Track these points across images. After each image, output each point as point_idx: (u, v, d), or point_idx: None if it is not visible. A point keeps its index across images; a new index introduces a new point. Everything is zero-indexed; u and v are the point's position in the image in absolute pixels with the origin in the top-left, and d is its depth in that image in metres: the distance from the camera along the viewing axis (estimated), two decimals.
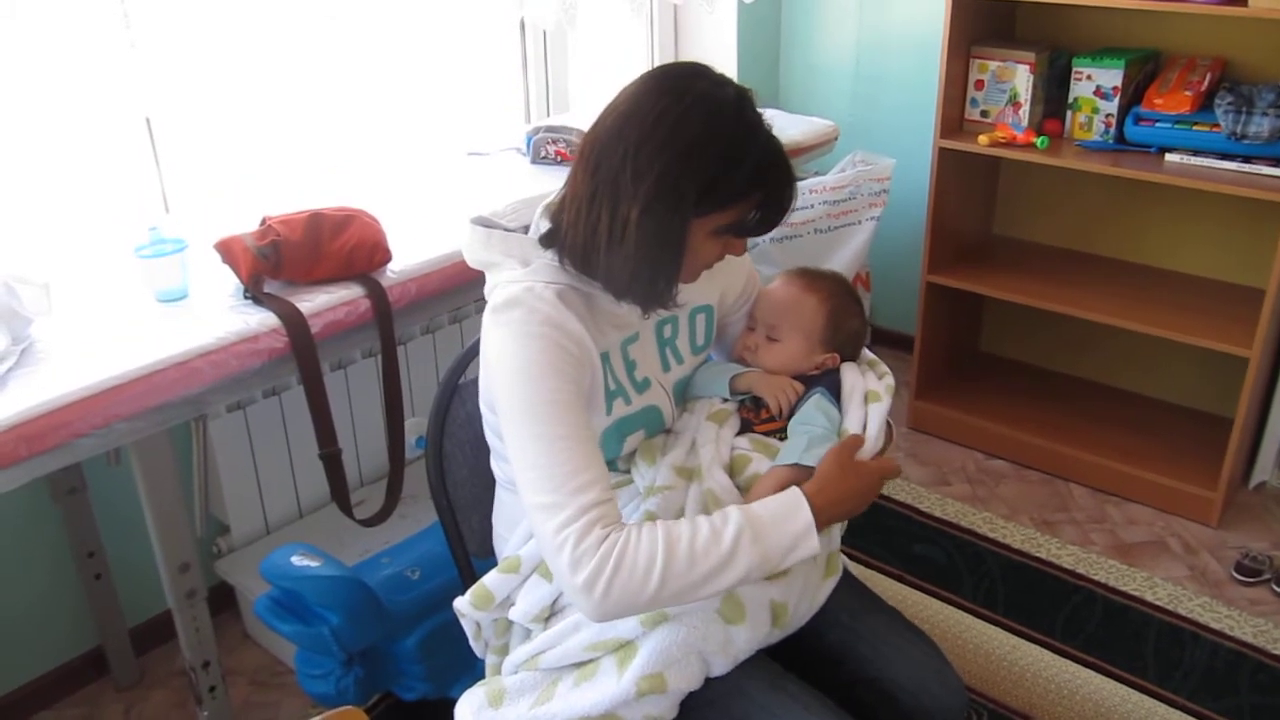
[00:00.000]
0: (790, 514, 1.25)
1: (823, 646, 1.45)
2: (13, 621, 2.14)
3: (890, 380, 1.52)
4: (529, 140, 2.56)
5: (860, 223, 3.07)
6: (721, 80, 1.25)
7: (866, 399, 1.47)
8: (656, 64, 3.30)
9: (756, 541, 1.22)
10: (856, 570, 1.64)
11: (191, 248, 1.85)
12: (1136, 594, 2.46)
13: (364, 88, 2.59)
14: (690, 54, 3.39)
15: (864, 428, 1.43)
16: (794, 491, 1.28)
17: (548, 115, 3.04)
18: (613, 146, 1.22)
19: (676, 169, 1.20)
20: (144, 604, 2.31)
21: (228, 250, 1.83)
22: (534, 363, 1.24)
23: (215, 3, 2.17)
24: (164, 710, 2.21)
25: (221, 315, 1.77)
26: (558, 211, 1.32)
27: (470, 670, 1.93)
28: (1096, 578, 2.52)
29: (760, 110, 1.27)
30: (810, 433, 1.39)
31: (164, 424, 1.66)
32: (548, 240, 1.32)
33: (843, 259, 3.06)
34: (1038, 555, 2.60)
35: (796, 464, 1.35)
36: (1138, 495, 2.82)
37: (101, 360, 1.61)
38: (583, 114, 2.92)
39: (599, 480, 1.22)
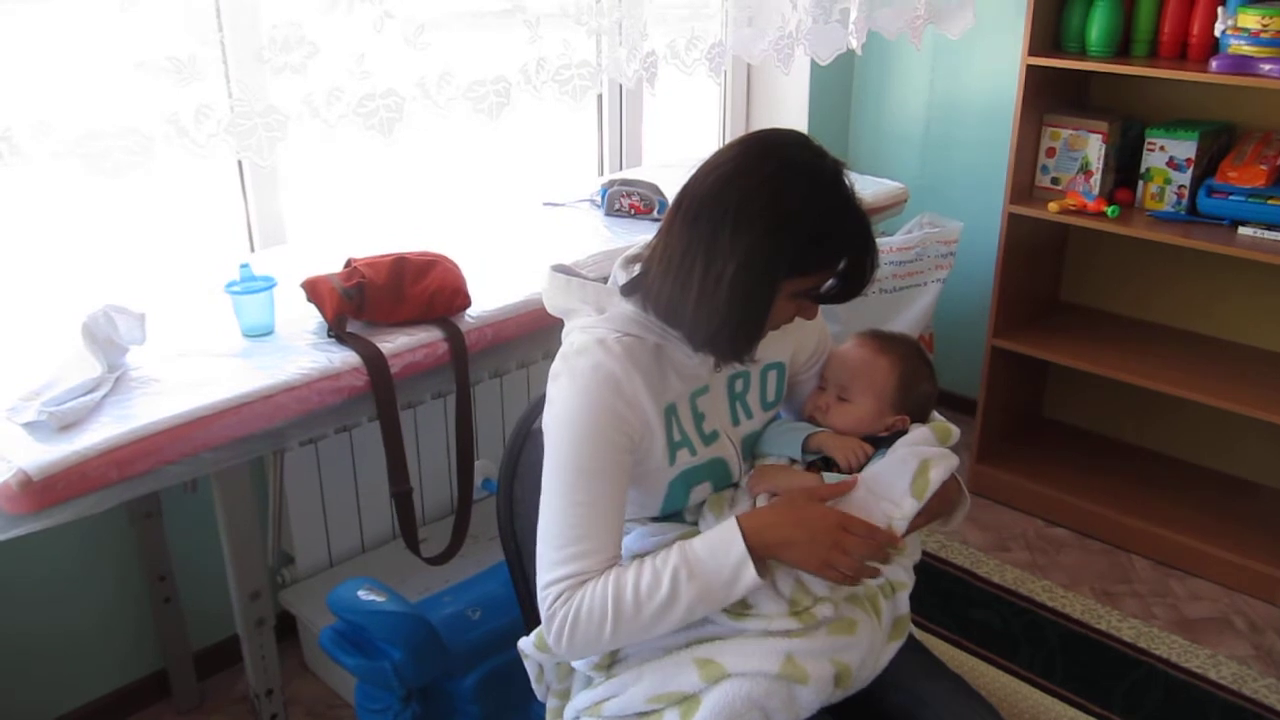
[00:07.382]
0: (725, 546, 1.29)
1: (885, 709, 1.45)
2: (80, 640, 2.19)
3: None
4: (603, 192, 2.61)
5: (926, 284, 3.08)
6: (821, 151, 1.29)
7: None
8: (728, 122, 3.40)
9: (693, 578, 1.28)
10: (916, 634, 1.64)
11: (278, 285, 1.91)
12: (1199, 671, 2.42)
13: (446, 136, 2.66)
14: (763, 113, 3.43)
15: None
16: (730, 522, 1.31)
17: (620, 169, 3.10)
18: (715, 204, 1.26)
19: (777, 232, 1.24)
20: (207, 629, 2.36)
21: (314, 289, 1.89)
22: (584, 423, 1.29)
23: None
24: None
25: (305, 352, 1.82)
26: (646, 261, 1.36)
27: (524, 714, 1.94)
28: (1158, 652, 2.48)
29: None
30: None
31: (246, 455, 1.70)
32: (630, 288, 1.36)
33: (907, 320, 3.06)
34: (1098, 627, 2.56)
35: None
36: (1202, 570, 2.77)
37: (191, 391, 1.66)
38: (654, 169, 2.97)
39: (598, 552, 1.29)
